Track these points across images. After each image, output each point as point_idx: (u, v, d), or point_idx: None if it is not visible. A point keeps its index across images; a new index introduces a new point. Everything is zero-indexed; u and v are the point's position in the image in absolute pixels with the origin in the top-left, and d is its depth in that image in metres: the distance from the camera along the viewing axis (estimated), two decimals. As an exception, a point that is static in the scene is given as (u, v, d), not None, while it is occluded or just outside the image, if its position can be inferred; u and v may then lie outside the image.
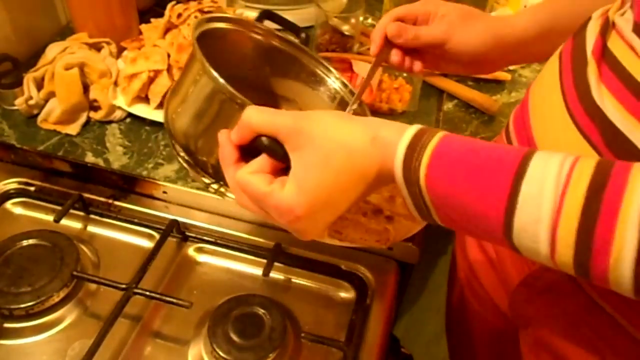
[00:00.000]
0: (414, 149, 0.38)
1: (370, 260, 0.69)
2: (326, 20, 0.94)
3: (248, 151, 0.44)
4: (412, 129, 0.40)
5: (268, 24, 0.83)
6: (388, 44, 0.59)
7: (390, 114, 0.86)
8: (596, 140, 0.43)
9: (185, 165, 0.52)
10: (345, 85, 0.64)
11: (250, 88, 0.60)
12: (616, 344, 0.46)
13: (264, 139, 0.43)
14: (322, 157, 0.40)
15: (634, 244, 0.30)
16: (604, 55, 0.44)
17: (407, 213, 0.71)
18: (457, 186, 0.37)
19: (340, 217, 0.70)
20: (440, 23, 0.57)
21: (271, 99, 0.63)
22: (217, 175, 0.50)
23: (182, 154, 0.52)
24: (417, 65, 0.60)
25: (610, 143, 0.41)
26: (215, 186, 0.51)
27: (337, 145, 0.40)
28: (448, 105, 0.90)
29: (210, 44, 0.54)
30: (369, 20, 1.01)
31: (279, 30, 0.74)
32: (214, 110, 0.48)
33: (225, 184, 0.48)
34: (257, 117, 0.42)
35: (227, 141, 0.45)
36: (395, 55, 0.59)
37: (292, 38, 0.64)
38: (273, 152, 0.43)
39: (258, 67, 0.61)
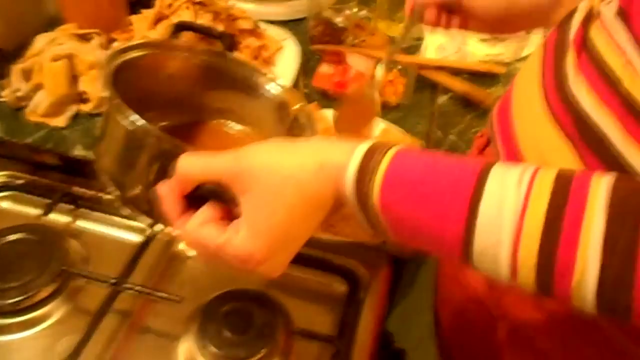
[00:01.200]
0: (365, 171, 0.37)
1: (363, 254, 0.68)
2: (319, 12, 0.92)
3: (193, 198, 0.41)
4: (361, 150, 0.38)
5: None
6: (420, 6, 0.62)
7: (384, 107, 0.85)
8: (571, 132, 0.42)
9: (119, 202, 0.50)
10: (280, 85, 0.60)
11: (185, 108, 0.58)
12: (587, 335, 0.46)
13: (207, 185, 0.40)
14: (272, 195, 0.38)
15: (596, 265, 0.30)
16: (585, 44, 0.44)
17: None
18: (413, 209, 0.36)
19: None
20: None
21: (210, 115, 0.61)
22: (152, 212, 0.48)
23: (112, 188, 0.50)
24: (455, 21, 0.62)
25: (584, 135, 0.41)
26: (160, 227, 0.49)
27: (285, 179, 0.38)
28: (442, 99, 0.89)
29: (129, 75, 0.52)
30: (363, 12, 1.00)
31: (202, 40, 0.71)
32: (136, 146, 0.46)
33: (164, 224, 0.46)
34: (193, 167, 0.40)
35: (168, 194, 0.42)
36: (429, 13, 0.61)
37: (216, 48, 0.62)
38: (219, 197, 0.40)
39: (188, 85, 0.59)
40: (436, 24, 0.61)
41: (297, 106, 0.56)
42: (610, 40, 0.41)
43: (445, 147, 0.80)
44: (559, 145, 0.43)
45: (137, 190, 0.46)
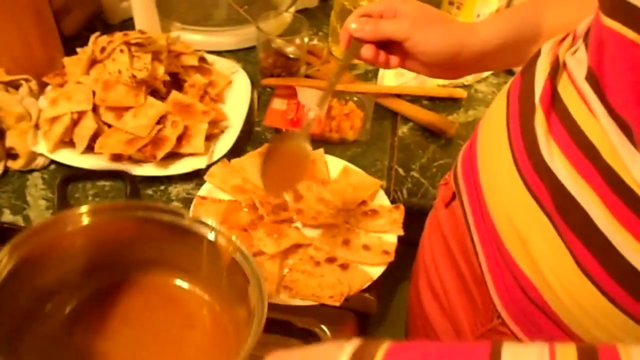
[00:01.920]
0: None
1: (326, 313, 0.63)
2: (268, 40, 0.87)
3: None
4: None
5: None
6: (357, 40, 0.55)
7: (342, 144, 0.80)
8: (546, 204, 0.38)
9: None
10: (211, 226, 0.53)
11: (110, 267, 0.53)
12: None
13: None
14: None
15: None
16: (554, 103, 0.39)
17: (363, 258, 0.66)
18: None
19: (290, 269, 0.65)
20: (402, 20, 0.54)
21: (140, 267, 0.55)
22: None
23: None
24: (393, 60, 0.56)
25: (562, 208, 0.37)
26: None
27: None
28: (403, 130, 0.85)
29: (30, 269, 0.47)
30: (315, 42, 0.95)
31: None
32: None
33: None
34: None
35: None
36: (366, 50, 0.55)
37: (124, 199, 0.57)
38: None
39: (105, 246, 0.53)
40: (373, 62, 0.55)
41: (232, 247, 0.50)
42: (582, 102, 0.36)
43: (407, 186, 0.76)
44: (537, 221, 0.39)
45: None
